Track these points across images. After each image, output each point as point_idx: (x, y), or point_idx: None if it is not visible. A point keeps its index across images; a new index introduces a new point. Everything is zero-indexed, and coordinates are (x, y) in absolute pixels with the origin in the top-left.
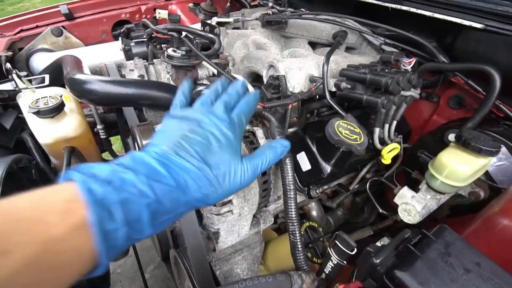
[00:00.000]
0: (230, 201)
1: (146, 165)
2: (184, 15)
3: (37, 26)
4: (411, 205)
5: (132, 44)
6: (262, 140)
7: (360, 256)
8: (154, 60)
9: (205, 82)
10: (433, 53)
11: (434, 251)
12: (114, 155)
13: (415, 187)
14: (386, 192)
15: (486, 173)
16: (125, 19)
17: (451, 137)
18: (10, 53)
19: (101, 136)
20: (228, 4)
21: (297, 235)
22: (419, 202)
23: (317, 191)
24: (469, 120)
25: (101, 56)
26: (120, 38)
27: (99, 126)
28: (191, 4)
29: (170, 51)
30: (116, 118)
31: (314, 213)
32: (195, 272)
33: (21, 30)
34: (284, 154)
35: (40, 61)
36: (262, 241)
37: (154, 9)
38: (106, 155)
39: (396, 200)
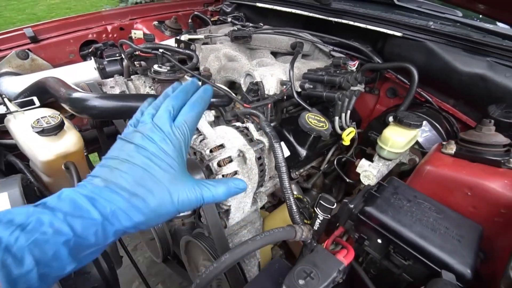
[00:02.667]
0: None
1: (71, 202)
2: (150, 33)
3: (0, 50)
4: (369, 171)
5: (105, 62)
6: (255, 133)
7: (339, 208)
8: (132, 77)
9: None
10: (370, 56)
11: (387, 192)
12: None
13: (370, 160)
14: (349, 168)
15: (418, 144)
16: (92, 39)
17: (390, 118)
18: None
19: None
20: (190, 21)
21: (292, 199)
22: (374, 168)
23: (296, 173)
24: (401, 105)
25: (75, 76)
26: (92, 57)
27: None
28: (156, 22)
29: (156, 67)
30: (94, 135)
31: (295, 192)
32: (217, 245)
33: None
34: (236, 194)
35: (8, 85)
36: (261, 217)
37: (121, 28)
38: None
39: (358, 169)
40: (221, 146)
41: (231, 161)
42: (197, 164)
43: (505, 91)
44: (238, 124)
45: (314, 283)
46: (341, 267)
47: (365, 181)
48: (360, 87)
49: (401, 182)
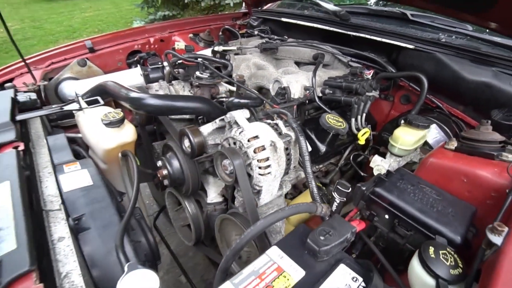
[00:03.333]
0: (269, 165)
1: None
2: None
3: (65, 59)
4: (381, 165)
5: (149, 70)
6: (283, 128)
7: (354, 192)
8: (173, 82)
9: (224, 96)
10: (384, 66)
11: (395, 178)
12: None
13: (383, 157)
14: (364, 167)
15: (428, 145)
16: (137, 49)
17: (402, 120)
18: (46, 82)
19: None
20: (221, 33)
21: (313, 183)
22: (386, 163)
23: (316, 167)
24: (413, 109)
25: (124, 81)
26: (137, 65)
27: None
28: (191, 35)
29: (197, 73)
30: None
31: None
32: (251, 218)
33: (52, 63)
34: None
35: (69, 88)
36: (285, 202)
37: (161, 40)
38: None
39: (371, 164)
40: (256, 137)
41: (264, 149)
42: (237, 151)
43: (509, 97)
44: (269, 121)
45: (331, 239)
46: (353, 229)
47: (377, 174)
48: (374, 93)
49: (406, 171)
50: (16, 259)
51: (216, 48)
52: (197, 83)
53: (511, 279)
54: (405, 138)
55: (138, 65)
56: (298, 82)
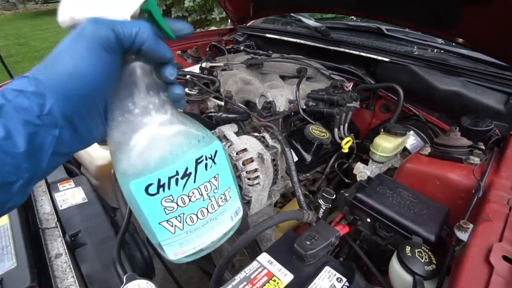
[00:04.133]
0: (258, 176)
1: None
2: (176, 61)
3: None
4: (364, 172)
5: None
6: (270, 140)
7: (338, 198)
8: None
9: (212, 111)
10: (363, 78)
11: (375, 184)
12: None
13: (366, 164)
14: (349, 173)
15: (407, 151)
16: None
17: (382, 129)
18: None
19: None
20: (208, 49)
21: (299, 191)
22: (368, 169)
23: (303, 175)
24: (391, 118)
25: None
26: None
27: None
28: (179, 52)
29: (187, 90)
30: None
31: None
32: (242, 227)
33: None
34: None
35: None
36: (274, 210)
37: None
38: None
39: (354, 171)
40: (245, 149)
41: (252, 161)
42: None
43: (476, 104)
44: (256, 134)
45: (317, 243)
46: (337, 233)
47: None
48: (355, 104)
49: (386, 177)
50: (17, 277)
51: (204, 65)
52: (186, 99)
53: (475, 269)
54: (385, 145)
55: None
56: (283, 96)
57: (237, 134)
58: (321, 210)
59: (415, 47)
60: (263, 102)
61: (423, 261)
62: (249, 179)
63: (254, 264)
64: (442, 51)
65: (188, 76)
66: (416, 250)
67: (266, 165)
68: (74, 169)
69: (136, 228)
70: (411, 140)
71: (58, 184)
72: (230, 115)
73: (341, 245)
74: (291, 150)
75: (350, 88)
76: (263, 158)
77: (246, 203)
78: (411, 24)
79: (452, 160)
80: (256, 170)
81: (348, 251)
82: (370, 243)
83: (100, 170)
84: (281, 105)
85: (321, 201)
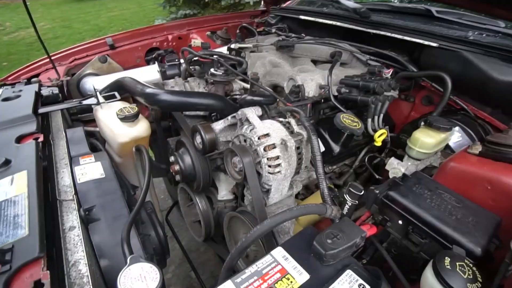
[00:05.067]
0: (279, 164)
1: None
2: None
3: (86, 55)
4: (397, 168)
5: (166, 66)
6: (295, 127)
7: (366, 194)
8: (188, 79)
9: (237, 93)
10: (405, 65)
11: (411, 182)
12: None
13: (400, 160)
14: (380, 170)
15: (450, 149)
16: (156, 47)
17: (422, 122)
18: (68, 78)
19: None
20: (238, 31)
21: (324, 183)
22: (403, 166)
23: (330, 167)
24: (434, 110)
25: (141, 77)
26: (155, 62)
27: None
28: (208, 33)
29: (212, 70)
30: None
31: None
32: (259, 217)
33: (75, 59)
34: None
35: (90, 83)
36: (295, 203)
37: (179, 37)
38: None
39: (387, 167)
40: (267, 135)
41: (274, 147)
42: (247, 148)
43: None
44: (281, 119)
45: (339, 242)
46: (363, 234)
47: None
48: (393, 93)
49: (424, 175)
50: (27, 246)
51: (232, 46)
52: (211, 80)
53: None
54: (425, 140)
55: (156, 62)
56: (313, 80)
57: (261, 118)
58: (347, 207)
59: (470, 31)
60: (291, 86)
61: (465, 276)
62: (269, 166)
63: (268, 258)
64: (505, 36)
65: (215, 56)
66: (457, 263)
67: (289, 153)
68: (98, 145)
69: (154, 208)
70: (456, 137)
71: (79, 158)
72: (255, 98)
73: (365, 245)
74: (318, 139)
75: (389, 75)
76: (286, 145)
77: (265, 192)
78: (471, 2)
79: (509, 162)
80: (278, 157)
81: (373, 253)
82: (399, 247)
83: (122, 147)
84: (311, 90)
85: (347, 197)
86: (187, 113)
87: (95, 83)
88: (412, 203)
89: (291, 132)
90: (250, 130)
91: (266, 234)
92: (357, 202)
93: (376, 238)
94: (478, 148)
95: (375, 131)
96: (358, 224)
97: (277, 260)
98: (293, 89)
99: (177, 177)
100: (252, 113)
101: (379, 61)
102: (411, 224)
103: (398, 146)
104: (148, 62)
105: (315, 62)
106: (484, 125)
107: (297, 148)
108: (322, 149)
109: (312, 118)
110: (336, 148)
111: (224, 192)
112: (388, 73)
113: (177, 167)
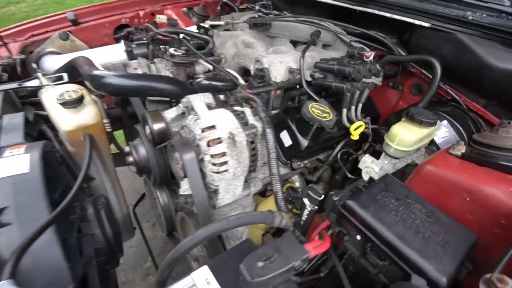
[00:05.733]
0: (226, 162)
1: None
2: (179, 19)
3: (46, 32)
4: (371, 168)
5: (134, 46)
6: (250, 117)
7: (326, 200)
8: (155, 60)
9: (201, 76)
10: (391, 48)
11: (376, 188)
12: (119, 147)
13: (378, 157)
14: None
15: (436, 145)
16: (125, 23)
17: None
18: (23, 56)
19: (107, 129)
20: (219, 8)
21: (278, 185)
22: (377, 165)
23: (298, 163)
24: (420, 101)
25: (106, 57)
26: (122, 40)
27: (105, 120)
28: (185, 9)
29: (171, 50)
30: (120, 113)
31: (297, 184)
32: (200, 218)
33: (32, 35)
34: None
35: (50, 63)
36: (253, 203)
37: (152, 14)
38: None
39: (360, 165)
40: (212, 127)
41: (220, 142)
42: (189, 142)
43: None
44: (237, 108)
45: (271, 266)
46: (305, 256)
47: (366, 178)
48: (375, 80)
49: (394, 180)
50: None
51: (203, 23)
52: (172, 62)
53: None
54: (404, 136)
55: (122, 41)
56: (282, 63)
57: (215, 106)
58: (306, 212)
59: (470, 11)
60: (255, 69)
61: None
62: (214, 164)
63: (186, 281)
64: (509, 16)
65: (181, 36)
66: None
67: (239, 149)
68: (48, 132)
69: (108, 202)
70: (443, 132)
71: (7, 149)
72: (213, 83)
73: (326, 256)
74: (284, 133)
75: (371, 58)
76: (235, 139)
77: (213, 192)
78: None
79: (495, 168)
80: (224, 154)
81: (332, 268)
82: (357, 265)
83: (69, 135)
84: (279, 75)
85: (306, 201)
86: (151, 98)
87: (55, 62)
88: (372, 216)
89: (245, 124)
90: (194, 121)
91: (211, 240)
92: (316, 207)
93: (338, 250)
94: (461, 148)
95: (352, 123)
96: (317, 232)
97: (196, 284)
98: (257, 72)
99: (133, 169)
100: (199, 100)
101: (363, 42)
102: (369, 241)
103: (377, 141)
104: (117, 41)
105: (295, 43)
106: (476, 119)
107: (251, 142)
108: (289, 142)
109: (280, 106)
110: (304, 142)
111: (185, 186)
112: (369, 56)
113: (131, 159)
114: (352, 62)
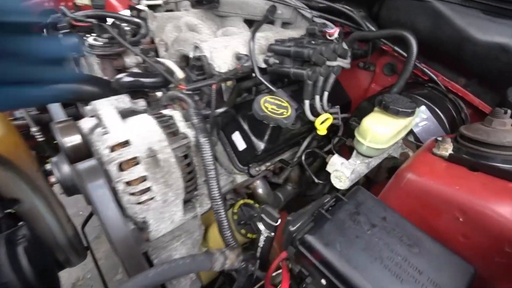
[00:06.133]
0: (148, 189)
1: None
2: (117, 1)
3: None
4: (341, 171)
5: (60, 36)
6: (180, 123)
7: (284, 226)
8: (85, 53)
9: (134, 70)
10: (359, 22)
11: (344, 212)
12: (39, 166)
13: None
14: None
15: (414, 134)
16: (50, 8)
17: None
18: None
19: (38, 139)
20: None
21: (222, 213)
22: (347, 168)
23: (257, 169)
24: (395, 85)
25: None
26: (44, 30)
27: (33, 129)
28: None
29: (91, 39)
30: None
31: (260, 191)
32: (125, 264)
33: None
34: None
35: None
36: (201, 225)
37: None
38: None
39: (328, 168)
40: (126, 143)
41: (137, 163)
42: (97, 167)
43: None
44: (166, 111)
45: None
46: None
47: (336, 183)
48: (341, 62)
49: (368, 196)
50: None
51: (138, 5)
52: (95, 53)
53: None
54: (377, 132)
55: (45, 30)
56: (227, 48)
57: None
58: (262, 238)
59: None
60: (192, 58)
61: None
62: (132, 194)
63: None
64: None
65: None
66: None
67: (166, 169)
68: None
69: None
70: (419, 118)
71: None
72: (140, 79)
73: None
74: (237, 135)
75: (335, 36)
76: (156, 157)
77: (142, 224)
78: None
79: (493, 174)
80: (144, 179)
81: None
82: None
83: None
84: (224, 63)
85: (260, 226)
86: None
87: None
88: (339, 257)
89: (173, 134)
90: (101, 136)
91: None
92: (273, 234)
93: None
94: (448, 147)
95: (317, 115)
96: (275, 265)
97: None
98: (193, 62)
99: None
100: (109, 106)
101: (327, 18)
102: (334, 287)
103: (348, 134)
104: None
105: (251, 23)
106: (455, 100)
107: (184, 157)
108: (243, 146)
109: (226, 103)
110: (260, 144)
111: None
112: (333, 33)
113: (53, 179)
114: (313, 42)
